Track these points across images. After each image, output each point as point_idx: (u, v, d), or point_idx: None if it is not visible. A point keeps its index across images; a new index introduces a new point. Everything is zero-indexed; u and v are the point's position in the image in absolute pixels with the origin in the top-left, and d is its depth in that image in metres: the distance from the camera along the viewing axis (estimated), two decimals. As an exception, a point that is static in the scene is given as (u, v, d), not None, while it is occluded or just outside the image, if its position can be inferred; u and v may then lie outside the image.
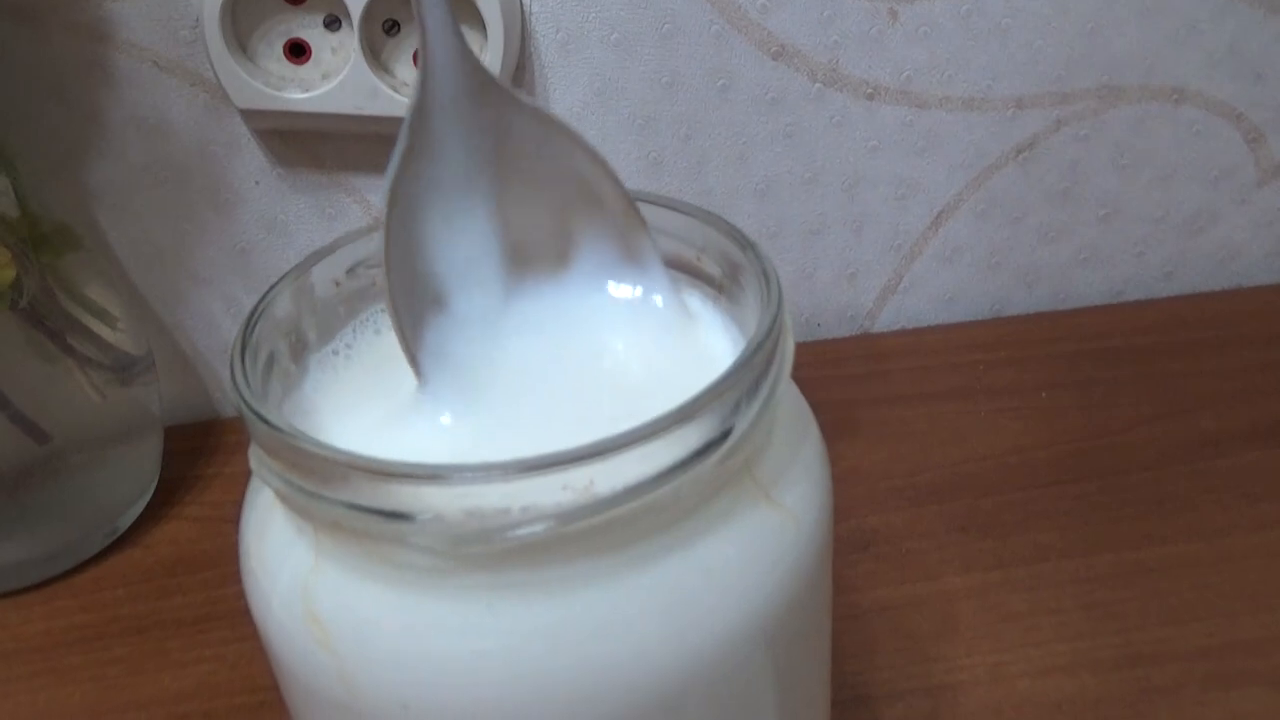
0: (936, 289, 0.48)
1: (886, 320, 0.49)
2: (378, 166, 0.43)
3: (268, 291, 0.19)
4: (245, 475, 0.48)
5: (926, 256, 0.47)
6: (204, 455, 0.46)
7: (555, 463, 0.15)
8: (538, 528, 0.15)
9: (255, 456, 0.17)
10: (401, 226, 0.19)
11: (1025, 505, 0.39)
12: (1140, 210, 0.47)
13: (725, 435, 0.16)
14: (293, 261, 0.44)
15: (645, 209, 0.20)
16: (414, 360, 0.18)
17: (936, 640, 0.34)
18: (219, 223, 0.44)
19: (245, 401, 0.16)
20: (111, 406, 0.41)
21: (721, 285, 0.20)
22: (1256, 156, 0.46)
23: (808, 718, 0.21)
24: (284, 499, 0.16)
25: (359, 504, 0.15)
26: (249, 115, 0.40)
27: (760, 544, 0.17)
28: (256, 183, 0.43)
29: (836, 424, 0.43)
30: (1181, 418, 0.43)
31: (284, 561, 0.17)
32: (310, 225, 0.44)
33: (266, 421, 0.16)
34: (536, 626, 0.16)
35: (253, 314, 0.18)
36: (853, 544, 0.38)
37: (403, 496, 0.15)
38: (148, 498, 0.42)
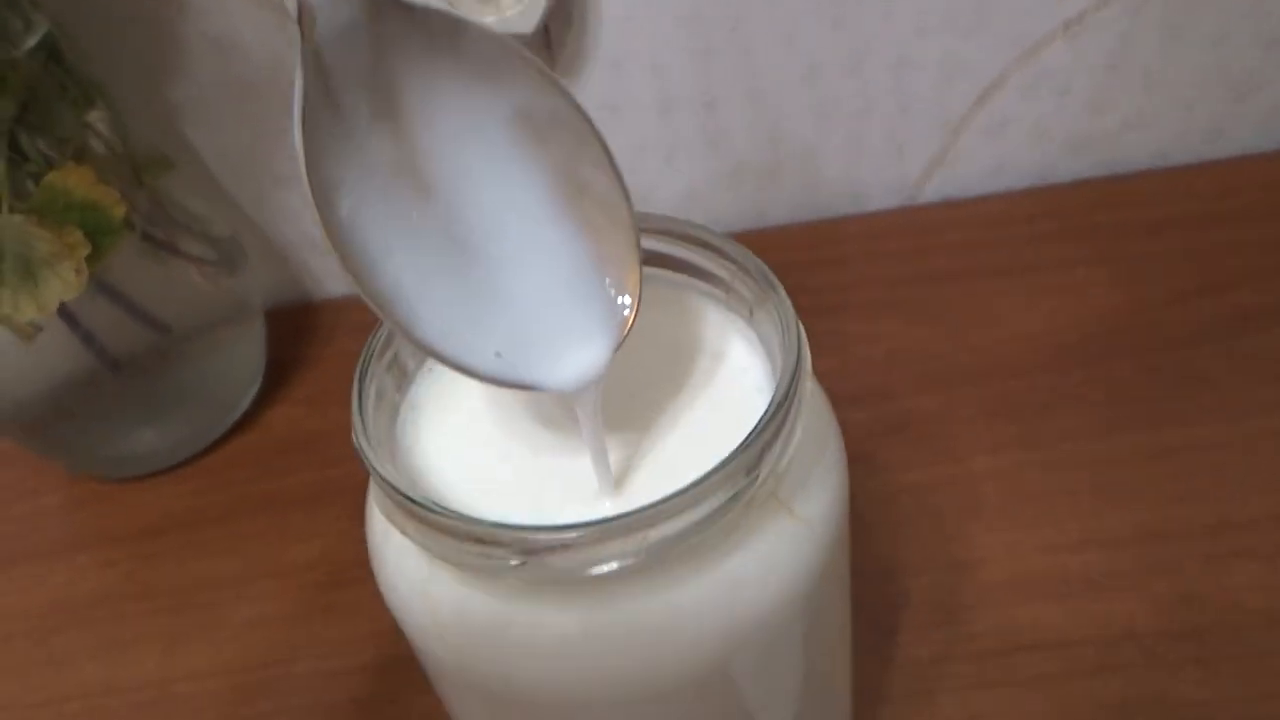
0: (983, 160, 0.49)
1: (933, 192, 0.50)
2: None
3: (370, 339, 0.22)
4: (342, 355, 0.51)
5: (973, 130, 0.48)
6: (303, 336, 0.50)
7: (621, 523, 0.18)
8: (607, 568, 0.19)
9: (377, 500, 0.21)
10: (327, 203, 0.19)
11: (1054, 388, 0.41)
12: (1189, 75, 0.47)
13: (754, 481, 0.19)
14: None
15: (677, 246, 0.23)
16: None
17: (960, 519, 0.37)
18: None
19: (372, 465, 0.20)
20: (219, 295, 0.45)
21: (752, 310, 0.23)
22: (1316, 19, 0.45)
23: (831, 685, 0.26)
24: (403, 532, 0.21)
25: (464, 548, 0.19)
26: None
27: (781, 552, 0.21)
28: (326, 90, 0.45)
29: (879, 302, 0.45)
30: (1219, 293, 0.43)
31: (404, 568, 0.22)
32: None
33: (392, 486, 0.19)
34: (605, 622, 0.20)
35: (363, 366, 0.21)
36: (892, 426, 0.41)
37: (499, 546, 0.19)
38: (259, 381, 0.47)
